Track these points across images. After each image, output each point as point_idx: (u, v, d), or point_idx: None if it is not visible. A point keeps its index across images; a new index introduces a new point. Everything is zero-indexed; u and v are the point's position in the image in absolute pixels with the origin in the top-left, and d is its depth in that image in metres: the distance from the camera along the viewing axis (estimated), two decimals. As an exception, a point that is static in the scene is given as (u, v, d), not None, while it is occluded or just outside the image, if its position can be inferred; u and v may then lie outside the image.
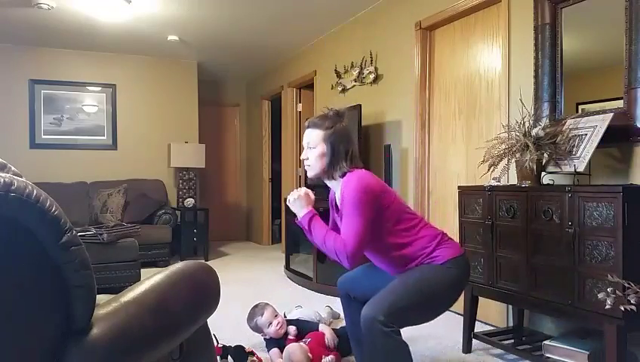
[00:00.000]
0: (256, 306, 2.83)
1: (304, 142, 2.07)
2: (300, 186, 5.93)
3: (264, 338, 2.76)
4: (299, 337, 2.70)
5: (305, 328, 2.77)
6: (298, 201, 1.99)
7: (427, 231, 1.99)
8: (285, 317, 2.97)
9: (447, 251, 1.93)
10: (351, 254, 1.81)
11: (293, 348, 2.48)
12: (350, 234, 1.82)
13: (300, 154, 5.85)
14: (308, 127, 2.06)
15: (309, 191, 2.03)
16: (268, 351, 2.69)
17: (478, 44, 3.34)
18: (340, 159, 1.98)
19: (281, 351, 2.56)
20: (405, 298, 1.81)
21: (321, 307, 3.40)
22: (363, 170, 2.00)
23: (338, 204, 2.05)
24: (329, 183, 2.09)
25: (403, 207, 2.00)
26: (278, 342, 2.68)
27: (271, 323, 2.70)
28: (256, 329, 2.77)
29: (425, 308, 1.91)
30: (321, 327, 2.74)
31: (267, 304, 2.83)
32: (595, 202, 1.98)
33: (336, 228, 2.04)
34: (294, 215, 2.03)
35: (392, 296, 1.81)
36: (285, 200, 2.07)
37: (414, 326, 2.05)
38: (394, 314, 1.75)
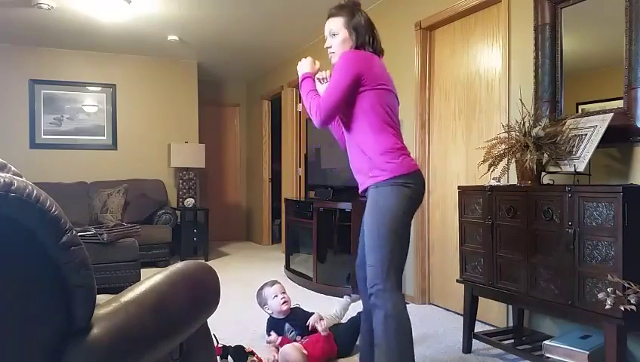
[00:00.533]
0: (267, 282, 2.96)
1: (326, 32, 2.14)
2: (300, 187, 5.87)
3: (268, 315, 2.88)
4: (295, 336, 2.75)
5: (299, 316, 2.80)
6: (305, 63, 2.18)
7: (395, 135, 2.02)
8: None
9: (396, 167, 1.95)
10: (321, 112, 2.00)
11: (287, 349, 2.52)
12: (324, 96, 2.00)
13: (300, 154, 5.83)
14: (329, 16, 2.13)
15: (317, 61, 2.20)
16: (267, 333, 2.78)
17: (478, 44, 3.34)
18: (364, 44, 2.06)
19: (280, 337, 2.68)
20: (384, 252, 1.91)
21: (320, 307, 3.41)
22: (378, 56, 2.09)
23: None
24: None
25: (384, 102, 2.02)
26: (277, 325, 2.78)
27: (276, 296, 2.82)
28: (262, 300, 2.89)
29: (402, 244, 1.97)
30: (312, 319, 2.75)
31: (278, 281, 2.96)
32: (595, 202, 1.98)
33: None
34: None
35: (371, 260, 1.93)
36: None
37: (414, 327, 2.05)
38: (388, 274, 1.89)
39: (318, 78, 2.21)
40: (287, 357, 2.48)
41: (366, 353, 2.24)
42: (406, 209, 1.97)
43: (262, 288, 2.93)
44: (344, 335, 2.73)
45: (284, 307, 2.81)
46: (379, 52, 2.12)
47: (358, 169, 2.08)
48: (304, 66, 2.19)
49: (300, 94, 2.35)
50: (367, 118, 2.00)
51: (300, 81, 2.17)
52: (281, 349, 2.54)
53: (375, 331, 1.95)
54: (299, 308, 2.93)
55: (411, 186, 1.98)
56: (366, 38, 2.06)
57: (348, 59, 1.98)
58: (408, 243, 2.01)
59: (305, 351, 2.52)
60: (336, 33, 2.08)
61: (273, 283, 2.93)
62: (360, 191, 2.13)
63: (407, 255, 2.02)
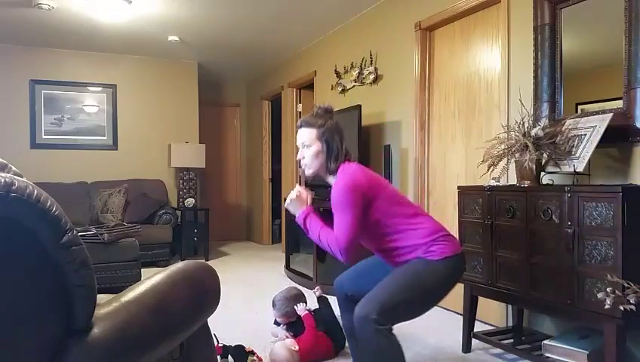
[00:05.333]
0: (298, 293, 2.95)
1: (298, 142, 2.11)
2: (300, 185, 5.89)
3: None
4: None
5: (298, 325, 2.80)
6: (294, 203, 2.06)
7: (425, 223, 1.98)
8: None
9: (444, 248, 1.92)
10: (344, 249, 1.89)
11: (275, 348, 2.55)
12: (341, 231, 1.90)
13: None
14: (301, 126, 2.10)
15: (304, 190, 2.07)
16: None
17: (477, 44, 3.34)
18: (335, 155, 2.04)
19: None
20: (397, 294, 1.83)
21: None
22: (353, 164, 2.04)
23: None
24: (328, 179, 2.12)
25: (396, 198, 2.01)
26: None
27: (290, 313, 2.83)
28: (282, 305, 2.86)
29: (415, 305, 1.92)
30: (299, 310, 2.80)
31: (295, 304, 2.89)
32: (594, 202, 1.98)
33: None
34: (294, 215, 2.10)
35: (383, 293, 1.83)
36: (284, 200, 2.09)
37: (414, 326, 2.06)
38: (386, 312, 1.78)
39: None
40: (274, 357, 2.52)
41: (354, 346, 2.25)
42: (448, 281, 1.94)
43: (293, 298, 2.89)
44: (334, 329, 2.75)
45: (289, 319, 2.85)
46: (349, 157, 2.09)
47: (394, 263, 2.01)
48: (296, 205, 2.06)
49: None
50: (390, 224, 1.95)
51: (301, 224, 2.04)
52: (272, 347, 2.57)
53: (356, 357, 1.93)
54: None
55: (458, 265, 1.95)
56: (337, 148, 2.04)
57: (346, 186, 1.91)
58: (420, 313, 1.96)
59: (295, 347, 2.55)
60: (309, 145, 2.06)
61: (300, 299, 2.90)
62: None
63: (410, 319, 1.97)
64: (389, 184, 2.08)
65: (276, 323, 2.93)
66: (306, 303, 2.87)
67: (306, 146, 2.07)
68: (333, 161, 2.04)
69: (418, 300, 1.90)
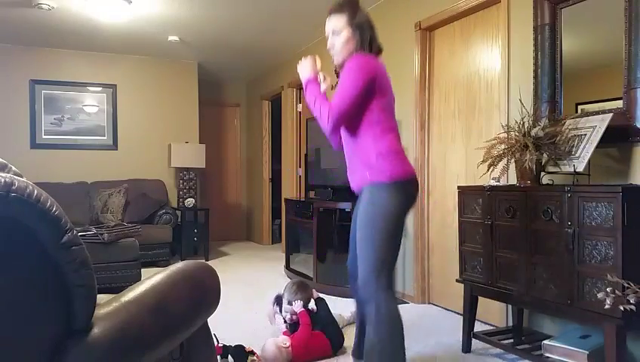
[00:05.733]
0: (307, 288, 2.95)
1: (327, 30, 2.10)
2: (300, 187, 5.86)
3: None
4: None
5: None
6: (305, 66, 2.11)
7: (394, 140, 2.03)
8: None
9: (394, 168, 1.97)
10: (334, 118, 1.96)
11: (266, 345, 2.57)
12: (338, 100, 1.95)
13: (300, 154, 5.83)
14: (330, 14, 2.08)
15: (318, 59, 2.13)
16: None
17: (477, 44, 3.34)
18: (366, 42, 2.03)
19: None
20: (374, 255, 1.92)
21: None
22: (378, 58, 2.05)
23: None
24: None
25: (389, 107, 2.05)
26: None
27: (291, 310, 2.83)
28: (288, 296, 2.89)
29: (391, 245, 1.97)
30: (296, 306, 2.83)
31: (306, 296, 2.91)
32: (594, 202, 1.99)
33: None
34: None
35: (365, 260, 1.94)
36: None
37: (414, 326, 2.06)
38: (378, 272, 1.90)
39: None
40: (264, 354, 2.53)
41: (357, 344, 2.30)
42: (401, 211, 1.99)
43: (300, 289, 2.91)
44: (331, 328, 2.77)
45: (289, 317, 2.85)
46: (378, 51, 2.11)
47: (355, 168, 2.08)
48: (306, 69, 2.11)
49: (303, 96, 2.34)
50: (373, 122, 2.00)
51: (304, 86, 2.11)
52: (264, 348, 2.58)
53: (366, 328, 1.96)
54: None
55: (408, 190, 2.00)
56: (369, 37, 2.04)
57: (361, 64, 1.95)
58: (400, 244, 2.02)
59: (286, 344, 2.57)
60: (340, 32, 2.04)
61: (295, 291, 2.91)
62: (355, 190, 2.14)
63: (397, 255, 2.03)
64: (391, 92, 2.10)
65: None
66: (311, 296, 2.89)
67: (336, 33, 2.05)
68: (364, 48, 2.02)
69: (390, 241, 1.96)
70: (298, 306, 2.81)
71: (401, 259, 3.85)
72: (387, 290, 1.93)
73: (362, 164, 2.03)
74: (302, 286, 2.94)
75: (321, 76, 2.15)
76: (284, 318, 2.89)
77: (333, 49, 2.08)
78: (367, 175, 2.00)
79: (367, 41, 2.03)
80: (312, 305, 2.85)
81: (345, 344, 2.76)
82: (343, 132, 2.14)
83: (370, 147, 2.00)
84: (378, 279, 1.92)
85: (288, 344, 2.57)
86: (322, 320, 2.77)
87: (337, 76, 2.14)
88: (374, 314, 1.91)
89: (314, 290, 3.10)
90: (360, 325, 2.30)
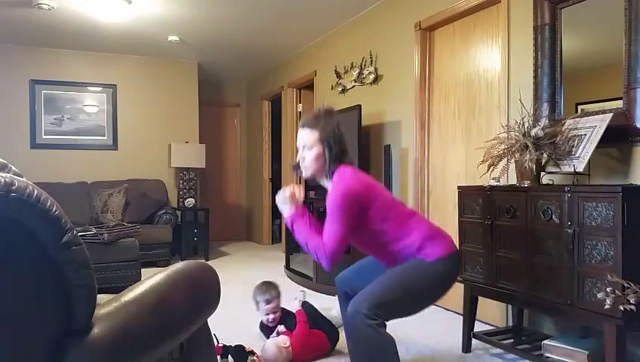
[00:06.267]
0: (271, 286, 2.92)
1: (299, 143, 2.08)
2: (300, 184, 5.89)
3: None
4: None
5: (290, 320, 2.82)
6: (285, 201, 2.04)
7: (418, 225, 1.99)
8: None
9: (438, 248, 1.94)
10: (329, 257, 1.88)
11: (267, 345, 2.57)
12: (330, 238, 1.89)
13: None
14: (303, 127, 2.07)
15: (296, 189, 2.05)
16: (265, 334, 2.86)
17: (477, 44, 3.34)
18: (335, 158, 2.02)
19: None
20: (389, 292, 1.85)
21: (320, 306, 3.40)
22: (348, 169, 2.02)
23: None
24: (323, 183, 2.11)
25: (389, 203, 2.01)
26: (269, 330, 2.81)
27: (269, 302, 2.82)
28: (258, 297, 2.87)
29: (409, 303, 1.94)
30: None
31: (277, 293, 2.90)
32: (594, 202, 1.98)
33: None
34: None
35: (376, 290, 1.85)
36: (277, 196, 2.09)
37: (414, 327, 2.06)
38: (378, 307, 1.80)
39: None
40: (264, 354, 2.53)
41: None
42: (438, 288, 1.96)
43: (266, 290, 2.89)
44: (323, 323, 2.78)
45: (272, 317, 2.84)
46: (346, 160, 2.07)
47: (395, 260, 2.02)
48: (285, 205, 2.04)
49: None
50: (386, 228, 1.96)
51: (288, 224, 2.03)
52: (265, 349, 2.58)
53: (351, 353, 1.94)
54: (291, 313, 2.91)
55: (448, 268, 1.96)
56: (337, 152, 2.02)
57: (341, 198, 1.89)
58: (416, 311, 1.99)
59: (286, 344, 2.56)
60: (311, 147, 2.03)
61: (276, 289, 2.90)
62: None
63: (408, 315, 2.00)
64: (383, 187, 2.08)
65: (262, 327, 2.91)
66: (278, 294, 2.89)
67: (307, 148, 2.05)
68: (332, 165, 2.02)
69: (410, 299, 1.92)
70: (296, 305, 2.82)
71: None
72: (380, 324, 1.81)
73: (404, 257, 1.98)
74: (270, 284, 2.93)
75: (300, 198, 2.08)
76: (263, 322, 2.87)
77: (304, 162, 2.07)
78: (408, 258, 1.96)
79: (335, 157, 2.02)
80: (296, 304, 2.86)
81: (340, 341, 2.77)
82: (366, 250, 2.10)
83: (399, 249, 1.96)
84: (375, 315, 1.80)
85: (288, 344, 2.57)
86: (315, 319, 2.79)
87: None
88: (359, 346, 1.85)
89: (302, 294, 3.13)
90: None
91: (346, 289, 2.21)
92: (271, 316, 2.83)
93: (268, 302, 2.83)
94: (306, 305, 2.91)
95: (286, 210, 2.04)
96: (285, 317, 2.83)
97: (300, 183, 6.24)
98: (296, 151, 2.12)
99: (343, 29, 4.93)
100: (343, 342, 2.76)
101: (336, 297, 2.37)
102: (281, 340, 2.59)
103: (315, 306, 2.94)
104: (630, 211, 1.88)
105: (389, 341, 1.81)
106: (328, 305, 3.39)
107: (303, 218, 2.01)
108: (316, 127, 2.04)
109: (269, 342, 2.59)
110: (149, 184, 5.97)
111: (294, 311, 2.79)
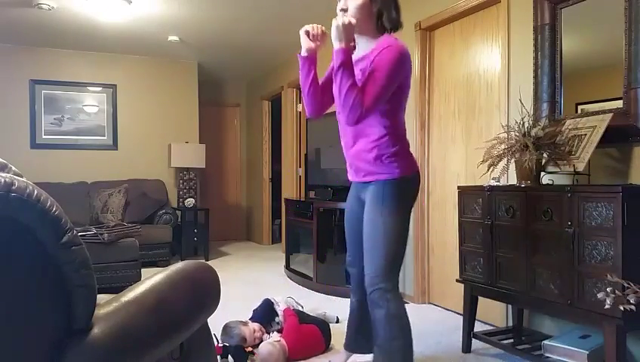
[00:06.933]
0: (231, 325, 2.76)
1: None
2: (300, 187, 5.84)
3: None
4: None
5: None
6: (341, 31, 1.84)
7: (405, 136, 2.05)
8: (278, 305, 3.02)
9: (410, 165, 2.00)
10: (362, 111, 1.80)
11: (261, 346, 2.56)
12: (369, 95, 1.81)
13: (300, 154, 5.82)
14: None
15: (353, 20, 1.87)
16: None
17: (477, 44, 3.34)
18: (386, 15, 1.93)
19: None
20: (384, 254, 1.93)
21: (320, 306, 3.40)
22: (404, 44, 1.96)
23: (361, 64, 1.95)
24: (362, 43, 2.01)
25: (405, 103, 2.05)
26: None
27: (240, 335, 2.68)
28: (230, 340, 2.67)
29: (403, 245, 2.00)
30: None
31: (239, 328, 2.74)
32: (594, 202, 1.98)
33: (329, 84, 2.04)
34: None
35: (377, 258, 1.93)
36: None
37: (414, 327, 2.06)
38: (390, 271, 1.92)
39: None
40: (260, 357, 2.52)
41: (351, 338, 2.32)
42: (409, 208, 2.01)
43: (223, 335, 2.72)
44: (313, 320, 2.81)
45: (258, 336, 2.73)
46: (399, 26, 2.00)
47: (362, 158, 2.02)
48: (342, 35, 1.83)
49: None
50: (390, 115, 1.96)
51: (338, 62, 1.82)
52: (260, 347, 2.58)
53: (376, 330, 1.95)
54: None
55: (415, 187, 2.03)
56: (392, 9, 1.94)
57: (400, 60, 1.84)
58: (406, 242, 2.03)
59: (278, 339, 2.58)
60: None
61: (229, 332, 2.72)
62: (356, 180, 2.10)
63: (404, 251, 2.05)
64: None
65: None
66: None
67: None
68: (383, 20, 1.92)
69: (399, 243, 1.98)
70: (282, 306, 2.86)
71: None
72: (396, 291, 1.94)
73: (371, 155, 1.98)
74: (228, 326, 2.76)
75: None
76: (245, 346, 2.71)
77: (347, 12, 1.91)
78: (375, 169, 1.98)
79: (386, 12, 1.91)
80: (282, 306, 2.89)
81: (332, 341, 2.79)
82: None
83: (382, 139, 1.96)
84: (388, 280, 1.92)
85: (279, 338, 2.59)
86: (303, 317, 2.83)
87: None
88: (384, 315, 1.91)
89: (291, 299, 3.16)
90: (355, 319, 2.30)
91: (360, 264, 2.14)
92: (257, 335, 2.73)
93: (239, 336, 2.67)
94: (292, 309, 2.93)
95: (341, 41, 1.84)
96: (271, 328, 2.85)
97: (300, 184, 6.22)
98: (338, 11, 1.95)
99: (343, 29, 4.92)
100: (340, 340, 2.77)
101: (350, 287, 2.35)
102: (272, 338, 2.61)
103: (305, 309, 2.96)
104: (630, 211, 1.88)
105: (406, 313, 1.95)
106: (323, 306, 3.40)
107: (351, 62, 1.85)
108: None
109: (263, 343, 2.61)
110: (149, 184, 5.97)
111: (280, 312, 2.81)
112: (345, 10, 1.93)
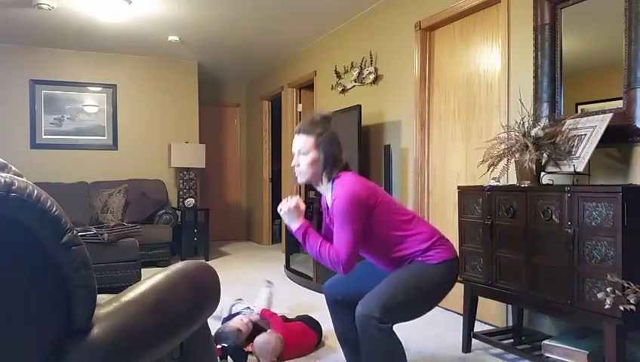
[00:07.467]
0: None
1: (294, 149, 2.07)
2: (300, 188, 5.86)
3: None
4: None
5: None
6: (290, 214, 2.00)
7: (422, 228, 2.01)
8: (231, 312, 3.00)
9: (441, 252, 1.96)
10: (344, 263, 1.88)
11: (255, 342, 2.55)
12: (342, 244, 1.88)
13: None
14: (299, 132, 2.06)
15: (300, 201, 2.02)
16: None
17: (477, 44, 3.34)
18: (331, 165, 2.01)
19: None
20: (398, 295, 1.86)
21: (320, 306, 3.40)
22: (349, 174, 2.02)
23: (329, 207, 2.07)
24: (319, 188, 2.11)
25: (392, 206, 2.02)
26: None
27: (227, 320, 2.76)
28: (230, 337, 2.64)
29: (416, 306, 1.96)
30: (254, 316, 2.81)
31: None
32: (594, 202, 1.98)
33: (329, 232, 2.08)
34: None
35: (386, 293, 1.86)
36: (278, 207, 2.08)
37: (414, 327, 2.07)
38: (389, 311, 1.81)
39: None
40: (255, 349, 2.52)
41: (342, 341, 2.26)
42: (441, 290, 1.98)
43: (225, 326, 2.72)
44: (303, 318, 2.82)
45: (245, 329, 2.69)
46: (344, 167, 2.06)
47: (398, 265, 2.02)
48: (292, 217, 2.00)
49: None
50: (393, 230, 1.97)
51: (300, 238, 1.99)
52: (256, 340, 2.56)
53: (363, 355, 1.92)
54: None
55: (454, 270, 2.00)
56: (333, 158, 2.01)
57: (351, 207, 1.88)
58: (421, 314, 2.00)
59: (268, 331, 2.59)
60: (305, 153, 2.01)
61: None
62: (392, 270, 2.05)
63: (413, 318, 2.02)
64: (383, 191, 2.08)
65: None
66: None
67: (302, 154, 2.03)
68: (328, 171, 2.01)
69: (418, 302, 1.94)
70: (258, 309, 2.89)
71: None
72: (391, 330, 1.84)
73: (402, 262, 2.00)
74: (219, 329, 2.70)
75: (303, 209, 2.03)
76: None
77: (298, 167, 2.05)
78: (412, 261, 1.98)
79: (332, 161, 2.00)
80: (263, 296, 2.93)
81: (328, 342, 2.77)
82: (369, 255, 2.10)
83: (405, 252, 1.97)
84: (386, 319, 1.81)
85: (269, 329, 2.61)
86: (286, 319, 2.83)
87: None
88: (370, 351, 1.85)
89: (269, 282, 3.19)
90: (342, 337, 2.24)
91: (338, 297, 2.17)
92: (246, 321, 2.69)
93: (232, 332, 2.62)
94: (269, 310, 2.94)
95: (293, 223, 2.00)
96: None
97: (300, 185, 6.24)
98: (292, 158, 2.10)
99: (342, 29, 4.93)
100: (331, 336, 2.77)
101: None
102: (273, 335, 2.61)
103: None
104: (630, 211, 1.88)
105: (398, 342, 1.84)
106: (319, 304, 3.39)
107: (312, 228, 1.99)
108: (312, 132, 2.02)
109: (263, 336, 2.59)
110: (149, 184, 5.97)
111: (256, 311, 2.84)
112: (298, 166, 2.05)
